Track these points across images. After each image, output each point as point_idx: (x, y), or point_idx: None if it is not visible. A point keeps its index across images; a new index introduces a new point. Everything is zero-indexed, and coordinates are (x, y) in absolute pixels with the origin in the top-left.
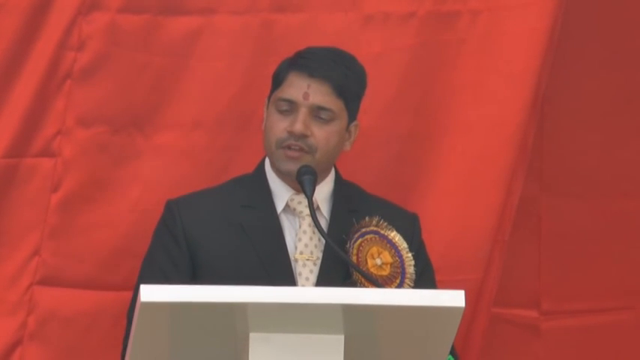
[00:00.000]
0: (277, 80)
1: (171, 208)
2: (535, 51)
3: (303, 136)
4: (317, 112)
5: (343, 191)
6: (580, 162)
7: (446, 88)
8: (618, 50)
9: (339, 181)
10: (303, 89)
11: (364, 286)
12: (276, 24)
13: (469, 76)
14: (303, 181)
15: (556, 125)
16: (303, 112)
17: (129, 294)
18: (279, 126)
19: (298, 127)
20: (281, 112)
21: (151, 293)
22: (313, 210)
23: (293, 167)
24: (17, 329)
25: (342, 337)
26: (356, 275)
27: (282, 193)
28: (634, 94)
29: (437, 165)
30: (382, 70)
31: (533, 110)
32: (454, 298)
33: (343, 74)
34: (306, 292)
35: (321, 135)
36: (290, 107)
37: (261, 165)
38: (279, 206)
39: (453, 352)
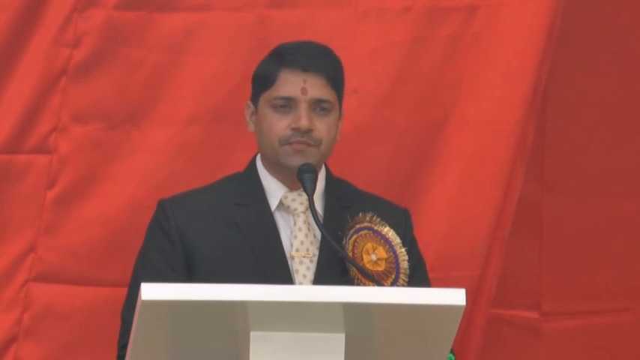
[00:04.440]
0: (266, 81)
1: (164, 207)
2: (533, 48)
3: (308, 131)
4: (316, 105)
5: (335, 188)
6: (581, 163)
7: (442, 84)
8: (620, 51)
9: (329, 178)
10: (299, 85)
11: (361, 282)
12: (272, 20)
13: (466, 72)
14: (304, 179)
15: (557, 126)
16: (304, 108)
17: (124, 290)
18: (280, 124)
19: (304, 122)
20: (278, 110)
21: (151, 292)
22: (314, 207)
23: (300, 161)
24: (12, 326)
25: (342, 336)
26: (353, 271)
27: (275, 191)
28: (635, 94)
29: (433, 161)
30: (378, 66)
31: (532, 107)
32: (455, 297)
33: (333, 65)
34: (307, 291)
35: (323, 127)
36: (288, 104)
37: (253, 163)
38: (273, 204)
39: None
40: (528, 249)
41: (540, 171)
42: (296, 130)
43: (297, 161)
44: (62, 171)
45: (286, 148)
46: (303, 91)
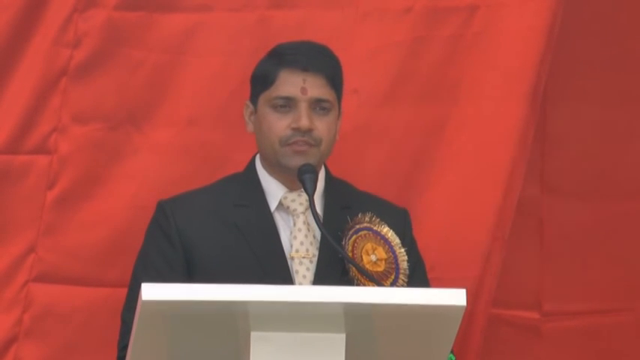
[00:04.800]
0: (266, 80)
1: (164, 208)
2: (532, 48)
3: (309, 131)
4: (316, 105)
5: (334, 188)
6: (581, 163)
7: (442, 84)
8: (620, 51)
9: (329, 178)
10: (299, 84)
11: (361, 282)
12: (273, 20)
13: (466, 72)
14: (305, 180)
15: (557, 126)
16: (304, 107)
17: (124, 290)
18: (280, 124)
19: (304, 122)
20: (278, 110)
21: (152, 292)
22: (314, 208)
23: (301, 161)
24: (13, 326)
25: (343, 336)
26: (353, 272)
27: (275, 192)
28: (635, 94)
29: (433, 161)
30: (378, 66)
31: (532, 107)
32: (455, 297)
33: (332, 65)
34: (308, 291)
35: (323, 126)
36: (287, 104)
37: (252, 163)
38: (273, 205)
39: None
40: (529, 249)
41: (540, 171)
42: (296, 129)
43: (297, 162)
44: (62, 171)
45: (286, 149)
46: (303, 90)
